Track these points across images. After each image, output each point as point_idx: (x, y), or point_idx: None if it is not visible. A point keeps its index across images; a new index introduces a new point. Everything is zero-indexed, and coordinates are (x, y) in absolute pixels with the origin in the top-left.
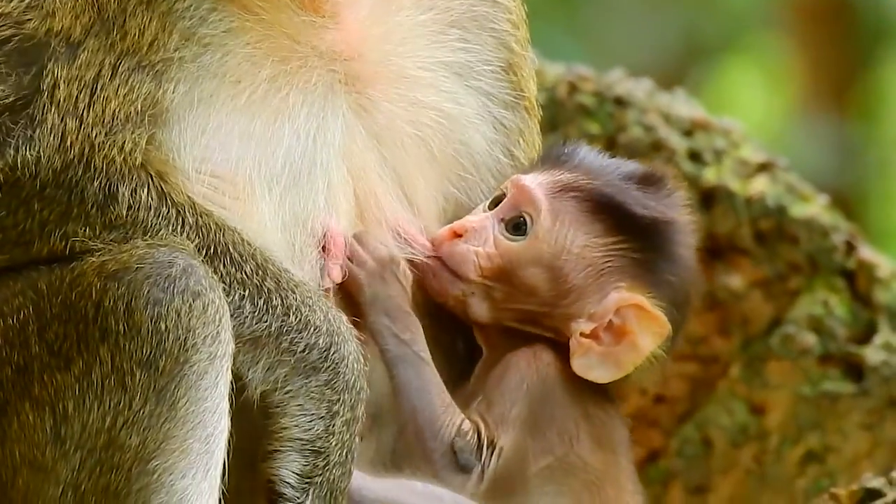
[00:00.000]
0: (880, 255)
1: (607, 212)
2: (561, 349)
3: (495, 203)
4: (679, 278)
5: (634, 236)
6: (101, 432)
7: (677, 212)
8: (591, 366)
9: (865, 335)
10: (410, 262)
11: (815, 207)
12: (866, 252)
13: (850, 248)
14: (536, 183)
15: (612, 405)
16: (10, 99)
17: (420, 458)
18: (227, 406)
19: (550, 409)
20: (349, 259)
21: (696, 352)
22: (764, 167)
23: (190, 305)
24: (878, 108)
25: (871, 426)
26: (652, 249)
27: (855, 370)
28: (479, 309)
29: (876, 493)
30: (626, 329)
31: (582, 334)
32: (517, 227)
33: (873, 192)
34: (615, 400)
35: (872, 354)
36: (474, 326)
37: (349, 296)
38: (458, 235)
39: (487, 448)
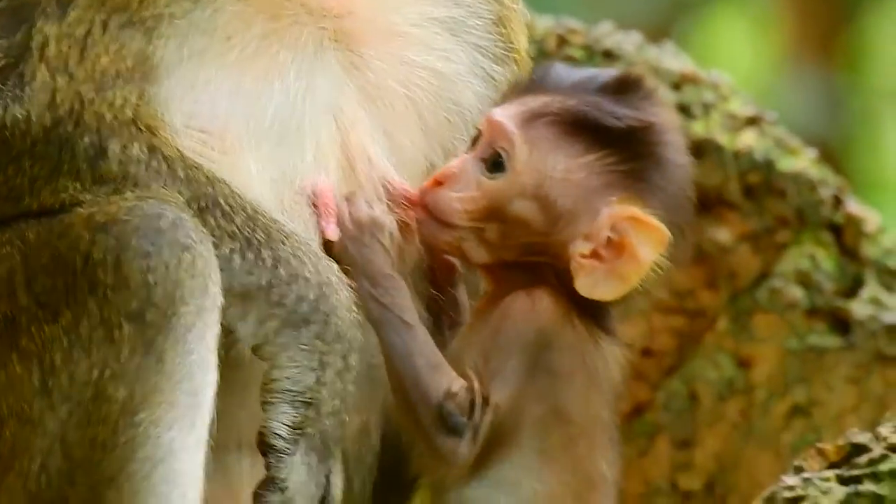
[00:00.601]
0: (868, 208)
1: (581, 129)
2: (564, 280)
3: (473, 144)
4: (670, 181)
5: (614, 148)
6: (89, 384)
7: (656, 114)
8: (596, 284)
9: (852, 289)
10: (403, 222)
11: (803, 161)
12: (854, 206)
13: (838, 202)
14: (507, 115)
15: (612, 342)
16: (2, 61)
17: (409, 423)
18: (215, 359)
19: (547, 358)
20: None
21: (682, 305)
22: (752, 121)
23: (178, 258)
24: (865, 59)
25: (858, 380)
26: (635, 158)
27: (842, 324)
28: (476, 252)
29: (862, 448)
30: (625, 242)
31: (581, 255)
32: (496, 164)
33: (860, 143)
34: (616, 333)
35: (859, 308)
36: (478, 269)
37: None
38: (440, 183)
39: (481, 406)
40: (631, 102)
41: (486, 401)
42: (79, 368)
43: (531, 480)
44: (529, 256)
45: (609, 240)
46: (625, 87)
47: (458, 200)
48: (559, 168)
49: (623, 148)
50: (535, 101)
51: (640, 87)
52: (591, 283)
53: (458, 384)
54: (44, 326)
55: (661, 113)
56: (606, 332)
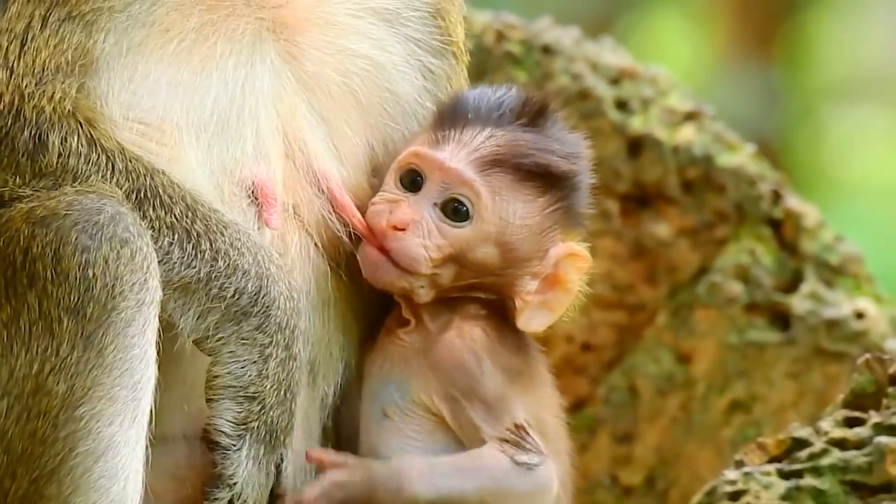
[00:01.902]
0: (807, 203)
1: (536, 176)
2: (491, 308)
3: (410, 181)
4: (585, 201)
5: (557, 189)
6: (29, 378)
7: (575, 142)
8: (531, 319)
9: (792, 284)
10: (349, 236)
11: (741, 156)
12: (793, 201)
13: (777, 196)
14: (460, 161)
15: (538, 355)
16: None
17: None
18: (155, 353)
19: (487, 379)
20: None
21: (622, 300)
22: (691, 116)
23: (118, 252)
24: (803, 55)
25: (798, 375)
26: (570, 193)
27: (781, 319)
28: (426, 294)
29: (803, 443)
30: (560, 276)
31: (527, 293)
32: (456, 211)
33: (800, 138)
34: (535, 346)
35: (799, 303)
36: (405, 302)
37: None
38: (398, 229)
39: (523, 430)
40: (557, 135)
41: (520, 425)
42: (19, 362)
43: None
44: (470, 292)
45: (546, 275)
46: (539, 116)
47: (425, 248)
48: (519, 214)
49: (564, 186)
50: (477, 141)
51: (548, 113)
52: (529, 318)
53: (495, 443)
54: None
55: (576, 137)
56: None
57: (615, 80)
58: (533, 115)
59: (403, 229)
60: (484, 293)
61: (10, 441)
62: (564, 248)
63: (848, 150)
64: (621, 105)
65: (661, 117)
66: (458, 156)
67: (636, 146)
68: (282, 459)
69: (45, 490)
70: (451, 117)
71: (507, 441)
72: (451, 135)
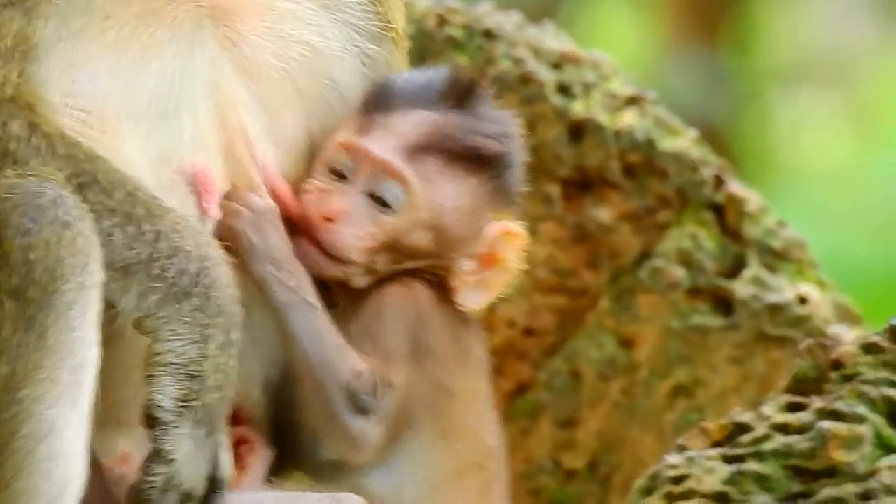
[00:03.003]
0: (749, 189)
1: (466, 159)
2: (432, 282)
3: (339, 170)
4: (518, 178)
5: (488, 168)
6: None
7: (505, 121)
8: (470, 297)
9: (734, 269)
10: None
11: (684, 141)
12: (735, 186)
13: (719, 182)
14: (387, 149)
15: (473, 325)
16: None
17: (319, 405)
18: (97, 336)
19: (427, 338)
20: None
21: (564, 284)
22: (633, 100)
23: (59, 235)
24: (750, 40)
25: (740, 360)
26: (501, 172)
27: (724, 304)
28: (362, 280)
29: (745, 427)
30: (497, 255)
31: (464, 272)
32: (386, 200)
33: (746, 124)
34: (473, 319)
35: (741, 288)
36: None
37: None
38: (329, 220)
39: (383, 386)
40: (486, 115)
41: (386, 382)
42: None
43: (432, 459)
44: (410, 273)
45: (482, 254)
46: (468, 96)
47: (357, 238)
48: (450, 197)
49: (494, 166)
50: (405, 126)
51: (476, 92)
52: (467, 296)
53: (362, 364)
54: None
55: (505, 116)
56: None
57: (557, 65)
58: (461, 95)
59: (333, 219)
60: (421, 272)
61: None
62: (499, 227)
63: (794, 134)
64: (563, 90)
65: (602, 102)
66: (385, 144)
67: (578, 131)
68: (219, 447)
69: None
70: (376, 102)
71: (361, 371)
72: (378, 120)
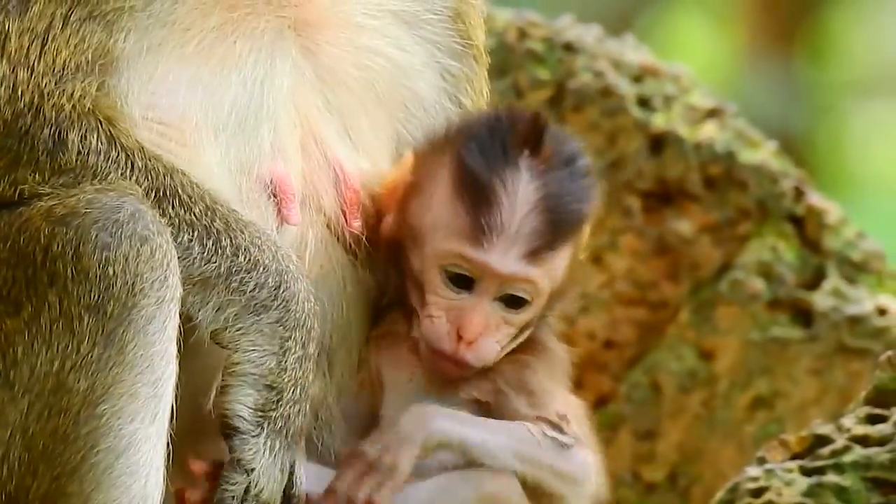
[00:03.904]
0: (829, 200)
1: (572, 232)
2: None
3: (459, 280)
4: (574, 184)
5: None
6: (50, 376)
7: (580, 158)
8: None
9: (814, 281)
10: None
11: (763, 153)
12: (815, 198)
13: (799, 193)
14: (512, 262)
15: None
16: None
17: (542, 476)
18: (175, 350)
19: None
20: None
21: (645, 297)
22: (713, 113)
23: (138, 250)
24: (826, 51)
25: (820, 372)
26: (591, 192)
27: (804, 316)
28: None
29: (825, 440)
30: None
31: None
32: (517, 301)
33: (822, 135)
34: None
35: (821, 300)
36: None
37: None
38: (470, 343)
39: (558, 421)
40: (569, 168)
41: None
42: (39, 360)
43: None
44: None
45: None
46: (542, 147)
47: (498, 345)
48: (562, 266)
49: (585, 194)
50: (522, 230)
51: (550, 139)
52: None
53: (529, 423)
54: (4, 319)
55: (576, 155)
56: None
57: (637, 78)
58: (539, 150)
59: (473, 341)
60: None
61: (31, 439)
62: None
63: (870, 146)
64: (643, 102)
65: (683, 115)
66: (510, 256)
67: (658, 143)
68: (295, 460)
69: (67, 488)
70: (481, 204)
71: (545, 421)
72: (493, 229)
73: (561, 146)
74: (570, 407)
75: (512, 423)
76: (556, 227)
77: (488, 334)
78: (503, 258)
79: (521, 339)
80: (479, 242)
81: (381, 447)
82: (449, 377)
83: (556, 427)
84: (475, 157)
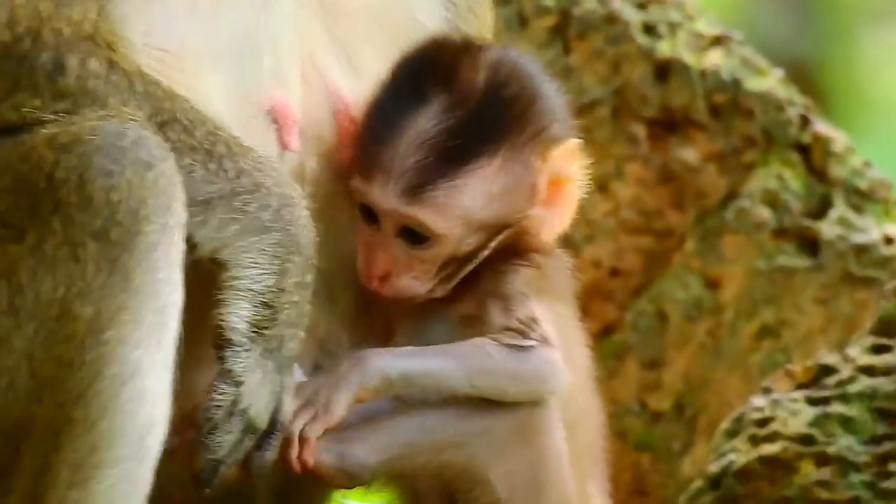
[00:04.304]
0: (837, 128)
1: (459, 162)
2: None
3: (367, 213)
4: (550, 102)
5: (491, 144)
6: (54, 303)
7: (492, 73)
8: (550, 228)
9: (820, 209)
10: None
11: (770, 81)
12: (821, 126)
13: (805, 121)
14: (391, 198)
15: (565, 280)
16: None
17: (498, 384)
18: (181, 277)
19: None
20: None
21: (650, 225)
22: (718, 40)
23: (142, 176)
24: None
25: (826, 301)
26: (520, 122)
27: (810, 244)
28: (445, 290)
29: (831, 370)
30: (559, 182)
31: (534, 217)
32: (415, 235)
33: (833, 61)
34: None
35: (827, 228)
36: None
37: None
38: (383, 279)
39: (529, 320)
40: (459, 89)
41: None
42: (44, 287)
43: None
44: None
45: (546, 196)
46: (448, 70)
47: (414, 282)
48: (475, 202)
49: (494, 137)
50: (395, 163)
51: (455, 59)
52: (547, 231)
53: (502, 320)
54: (9, 246)
55: (489, 65)
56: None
57: (642, 5)
58: (447, 84)
59: (387, 276)
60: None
61: (36, 365)
62: (550, 169)
63: (883, 71)
64: (649, 29)
65: (688, 42)
66: (389, 192)
67: (663, 71)
68: (283, 388)
69: (72, 414)
70: (371, 137)
71: (510, 330)
72: (375, 164)
73: (478, 77)
74: (546, 313)
75: (460, 343)
76: (438, 164)
77: (400, 271)
78: (383, 193)
79: (463, 271)
80: (365, 176)
81: (320, 386)
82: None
83: (519, 332)
84: (384, 87)
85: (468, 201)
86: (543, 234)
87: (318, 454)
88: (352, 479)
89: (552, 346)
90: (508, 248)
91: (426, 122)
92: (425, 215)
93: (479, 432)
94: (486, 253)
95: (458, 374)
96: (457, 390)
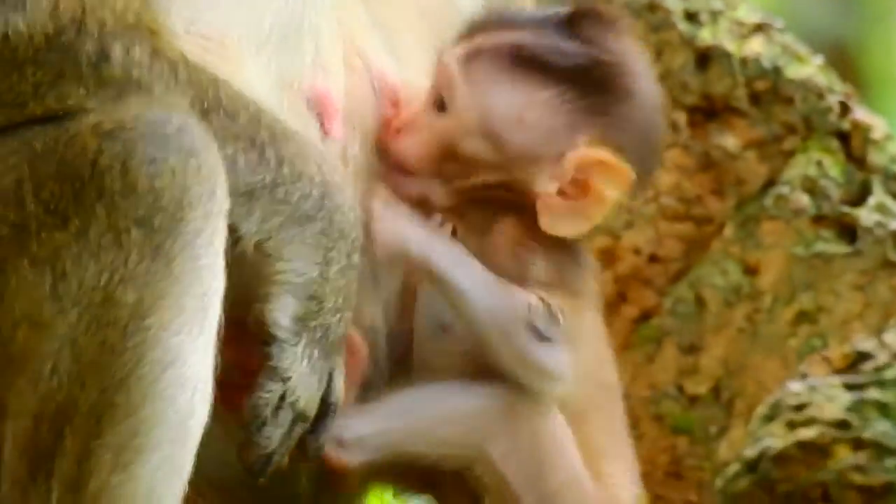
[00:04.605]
0: (876, 115)
1: (528, 65)
2: (528, 215)
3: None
4: (635, 112)
5: (568, 85)
6: (98, 289)
7: (612, 47)
8: (559, 223)
9: (859, 196)
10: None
11: (810, 68)
12: (861, 113)
13: (845, 108)
14: (451, 55)
15: (578, 254)
16: None
17: (508, 351)
18: (223, 264)
19: (552, 263)
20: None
21: (689, 212)
22: (759, 28)
23: (185, 164)
24: None
25: (864, 287)
26: (595, 93)
27: (848, 231)
28: (440, 197)
29: (867, 356)
30: (590, 183)
31: (548, 194)
32: (441, 104)
33: (874, 47)
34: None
35: (866, 215)
36: (447, 215)
37: None
38: (397, 131)
39: (555, 310)
40: (586, 37)
41: (556, 306)
42: (88, 273)
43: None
44: (492, 193)
45: (574, 180)
46: (577, 22)
47: (417, 145)
48: (506, 105)
49: (580, 85)
50: (480, 39)
51: (596, 19)
52: (554, 222)
53: (531, 296)
54: (53, 233)
55: (620, 44)
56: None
57: None
58: (569, 20)
59: (402, 131)
60: (505, 194)
61: (80, 350)
62: (587, 153)
63: None
64: (690, 17)
65: (729, 29)
66: (454, 51)
67: (704, 58)
68: (333, 370)
69: (114, 399)
70: (480, 22)
71: (546, 306)
72: (471, 36)
73: (599, 32)
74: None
75: (507, 287)
76: (503, 51)
77: (412, 132)
78: (452, 51)
79: (469, 181)
80: (455, 39)
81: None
82: (393, 193)
83: (551, 318)
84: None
85: (496, 101)
86: (545, 218)
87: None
88: (343, 454)
89: (566, 347)
90: (517, 221)
91: (529, 32)
92: (459, 80)
93: (471, 410)
94: (481, 182)
95: (479, 313)
96: (464, 318)
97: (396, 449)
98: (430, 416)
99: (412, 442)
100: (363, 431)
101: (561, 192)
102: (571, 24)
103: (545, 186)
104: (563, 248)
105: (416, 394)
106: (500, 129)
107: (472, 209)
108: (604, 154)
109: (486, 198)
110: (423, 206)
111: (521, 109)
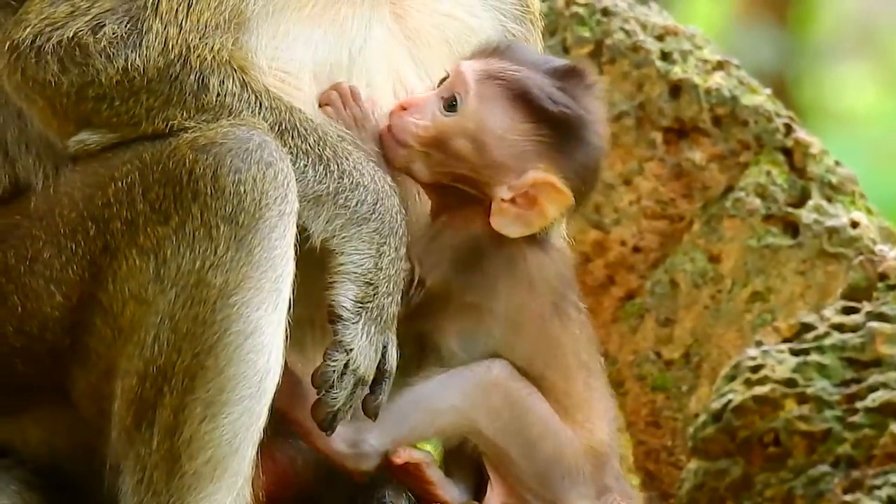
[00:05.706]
0: (812, 135)
1: (524, 101)
2: (487, 209)
3: (441, 83)
4: (587, 159)
5: (547, 125)
6: (192, 273)
7: (587, 106)
8: (506, 224)
9: (800, 200)
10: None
11: (761, 97)
12: (801, 133)
13: (789, 129)
14: (470, 68)
15: (544, 251)
16: (119, 15)
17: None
18: (293, 254)
19: (477, 258)
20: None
21: (665, 212)
22: (721, 65)
23: (264, 173)
24: (809, 18)
25: (805, 272)
26: (563, 137)
27: (792, 227)
28: (421, 172)
29: (809, 327)
30: (538, 200)
31: (502, 199)
32: (451, 104)
33: (806, 79)
34: (548, 246)
35: (806, 215)
36: (423, 187)
37: None
38: (404, 108)
39: (417, 285)
40: (571, 91)
41: (421, 282)
42: (185, 260)
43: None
44: (461, 184)
45: (526, 193)
46: (569, 76)
47: (414, 126)
48: (499, 125)
49: (554, 127)
50: (496, 64)
51: (581, 79)
52: (503, 223)
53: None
54: (157, 227)
55: (593, 105)
56: (538, 244)
57: (660, 37)
58: (563, 72)
59: (406, 108)
60: (470, 188)
61: (177, 323)
62: (542, 176)
63: (844, 89)
64: (665, 56)
65: (696, 66)
66: (473, 66)
67: (677, 89)
68: (387, 343)
69: (205, 362)
70: (496, 48)
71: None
72: (486, 56)
73: (583, 92)
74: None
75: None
76: (513, 84)
77: (416, 113)
78: (469, 65)
79: (445, 168)
80: (473, 55)
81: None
82: (385, 154)
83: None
84: (512, 42)
85: (493, 119)
86: (495, 217)
87: (334, 443)
88: (362, 462)
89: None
90: (474, 211)
91: (534, 73)
92: (473, 91)
93: (456, 395)
94: (458, 173)
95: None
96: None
97: (405, 444)
98: (427, 415)
99: (416, 437)
100: (376, 443)
101: (513, 200)
102: (565, 76)
103: (503, 193)
104: (525, 246)
105: (412, 396)
106: (487, 140)
107: (445, 190)
108: (555, 180)
109: (454, 186)
110: (407, 174)
111: (507, 130)
